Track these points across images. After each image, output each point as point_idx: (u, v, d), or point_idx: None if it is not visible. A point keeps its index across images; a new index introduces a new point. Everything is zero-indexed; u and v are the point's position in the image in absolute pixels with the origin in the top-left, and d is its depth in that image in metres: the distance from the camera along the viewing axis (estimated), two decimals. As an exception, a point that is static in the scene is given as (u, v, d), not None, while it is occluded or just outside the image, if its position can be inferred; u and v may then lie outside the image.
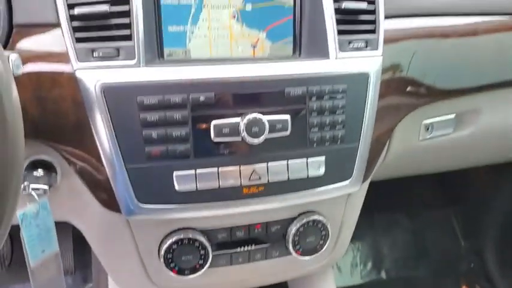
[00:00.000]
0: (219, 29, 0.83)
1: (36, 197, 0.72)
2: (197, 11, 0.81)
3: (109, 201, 0.76)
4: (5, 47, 0.73)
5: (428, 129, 1.06)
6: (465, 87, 1.03)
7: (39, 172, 0.76)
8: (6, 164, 0.50)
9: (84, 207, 0.82)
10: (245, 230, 0.86)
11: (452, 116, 1.08)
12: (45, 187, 0.73)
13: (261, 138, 0.75)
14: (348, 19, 0.82)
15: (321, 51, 0.82)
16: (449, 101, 1.03)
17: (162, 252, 0.81)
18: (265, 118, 0.75)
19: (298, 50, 0.87)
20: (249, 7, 0.84)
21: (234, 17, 0.83)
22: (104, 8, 0.71)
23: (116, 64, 0.72)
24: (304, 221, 0.87)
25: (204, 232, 0.83)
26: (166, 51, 0.81)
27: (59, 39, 0.73)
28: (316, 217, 0.87)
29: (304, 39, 0.86)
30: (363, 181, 0.88)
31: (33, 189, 0.72)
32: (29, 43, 0.74)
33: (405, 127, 0.98)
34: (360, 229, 1.07)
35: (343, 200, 0.93)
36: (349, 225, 0.98)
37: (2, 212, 0.50)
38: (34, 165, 0.78)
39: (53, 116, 0.73)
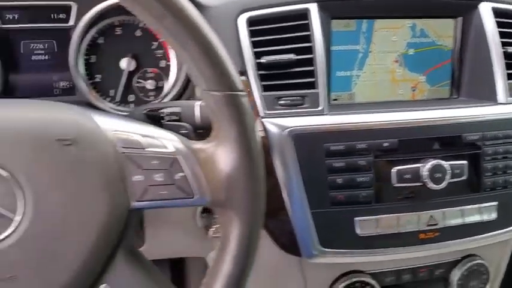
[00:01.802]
0: (383, 73, 0.84)
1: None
2: (364, 56, 0.83)
3: (288, 244, 0.77)
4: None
5: None
6: None
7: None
8: None
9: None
10: (411, 273, 0.85)
11: None
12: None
13: (443, 184, 0.75)
14: (514, 63, 0.82)
15: (485, 95, 0.83)
16: None
17: (336, 294, 0.81)
18: (447, 164, 0.75)
19: (456, 92, 0.87)
20: (411, 51, 0.85)
21: (397, 61, 0.85)
22: (290, 56, 0.74)
23: (302, 111, 0.74)
24: (469, 265, 0.86)
25: (373, 275, 0.83)
26: (332, 95, 0.83)
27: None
28: (479, 261, 0.87)
29: (465, 82, 0.86)
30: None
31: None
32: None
33: None
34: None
35: (506, 244, 0.92)
36: (505, 268, 0.97)
37: None
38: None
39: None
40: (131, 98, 0.87)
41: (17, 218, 0.46)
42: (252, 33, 0.75)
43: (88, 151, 0.49)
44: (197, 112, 0.66)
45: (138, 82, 0.86)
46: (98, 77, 0.85)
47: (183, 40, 0.49)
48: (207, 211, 0.80)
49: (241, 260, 0.53)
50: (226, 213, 0.53)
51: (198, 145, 0.54)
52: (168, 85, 0.87)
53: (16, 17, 0.80)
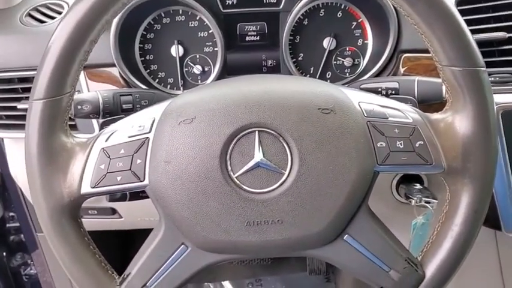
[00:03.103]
0: None
1: (431, 208, 0.78)
2: None
3: (489, 218, 0.79)
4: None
5: None
6: None
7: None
8: None
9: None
10: None
11: None
12: (435, 201, 0.79)
13: None
14: None
15: None
16: None
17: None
18: None
19: None
20: None
21: None
22: (501, 34, 0.75)
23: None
24: None
25: None
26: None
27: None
28: None
29: None
30: None
31: (426, 202, 0.79)
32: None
33: None
34: None
35: None
36: None
37: None
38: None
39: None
40: (328, 74, 0.94)
41: (286, 172, 0.55)
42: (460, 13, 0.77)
43: (343, 119, 0.57)
44: (416, 87, 0.71)
45: (336, 60, 0.93)
46: (301, 56, 0.94)
47: (431, 21, 0.54)
48: (405, 181, 0.86)
49: (472, 223, 0.58)
50: (459, 181, 0.58)
51: (435, 116, 0.59)
52: (364, 62, 0.93)
53: (234, 2, 0.91)
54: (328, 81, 0.94)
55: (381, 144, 0.57)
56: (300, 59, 0.93)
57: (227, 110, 0.55)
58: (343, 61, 0.92)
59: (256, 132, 0.55)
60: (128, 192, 0.74)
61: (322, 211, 0.55)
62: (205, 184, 0.54)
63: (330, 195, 0.55)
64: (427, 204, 0.78)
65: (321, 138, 0.55)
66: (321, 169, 0.55)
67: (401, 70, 0.84)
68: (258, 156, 0.55)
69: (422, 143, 0.57)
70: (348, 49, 0.93)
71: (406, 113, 0.59)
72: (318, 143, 0.55)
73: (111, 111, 0.72)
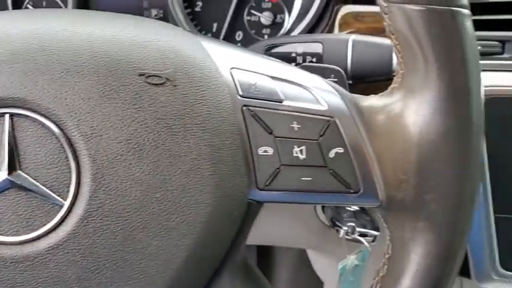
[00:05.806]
0: None
1: (366, 244, 0.51)
2: None
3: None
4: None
5: None
6: None
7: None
8: None
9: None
10: None
11: None
12: (376, 233, 0.52)
13: None
14: None
15: None
16: None
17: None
18: None
19: None
20: None
21: None
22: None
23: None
24: None
25: None
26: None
27: None
28: None
29: None
30: None
31: (360, 234, 0.52)
32: None
33: None
34: None
35: None
36: None
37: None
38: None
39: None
40: (238, 35, 0.67)
41: (66, 203, 0.27)
42: None
43: (190, 97, 0.29)
44: (350, 51, 0.43)
45: (250, 14, 0.65)
46: (199, 5, 0.65)
47: None
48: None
49: None
50: (409, 224, 0.31)
51: (370, 100, 0.32)
52: (289, 20, 0.65)
53: None
54: (239, 44, 0.66)
55: (265, 151, 0.29)
56: (197, 9, 0.65)
57: None
58: (259, 16, 0.65)
59: (7, 117, 0.26)
60: None
61: (140, 283, 0.27)
62: None
63: (157, 251, 0.28)
64: (361, 239, 0.51)
65: (139, 135, 0.27)
66: (138, 197, 0.27)
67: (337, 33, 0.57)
68: (6, 167, 0.26)
69: (342, 151, 0.30)
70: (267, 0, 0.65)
71: (317, 92, 0.31)
72: (133, 145, 0.27)
73: None
